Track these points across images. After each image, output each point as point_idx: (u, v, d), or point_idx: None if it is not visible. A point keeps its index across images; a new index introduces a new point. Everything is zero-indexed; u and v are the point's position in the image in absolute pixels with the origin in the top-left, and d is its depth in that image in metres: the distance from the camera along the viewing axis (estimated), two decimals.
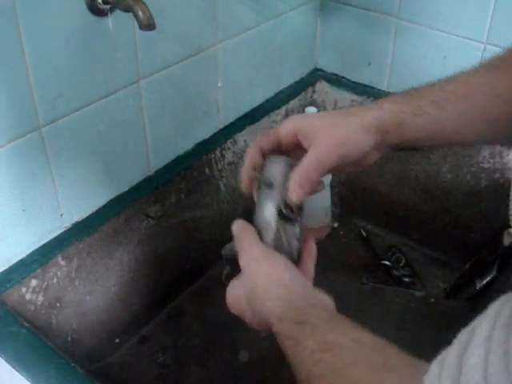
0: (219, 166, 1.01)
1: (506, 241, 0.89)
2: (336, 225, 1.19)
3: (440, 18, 1.00)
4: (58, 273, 0.79)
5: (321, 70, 1.21)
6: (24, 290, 0.76)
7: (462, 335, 0.36)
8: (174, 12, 0.83)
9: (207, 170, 0.99)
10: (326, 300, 0.55)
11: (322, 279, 1.07)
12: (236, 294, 0.59)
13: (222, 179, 1.03)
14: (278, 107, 1.12)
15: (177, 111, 0.92)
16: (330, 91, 1.18)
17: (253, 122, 1.06)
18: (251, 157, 0.61)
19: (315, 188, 0.60)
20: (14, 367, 0.65)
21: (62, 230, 0.81)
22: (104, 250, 0.85)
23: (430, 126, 0.60)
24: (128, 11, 0.68)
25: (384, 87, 1.13)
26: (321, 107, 1.19)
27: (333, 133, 0.58)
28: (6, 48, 0.65)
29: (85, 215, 0.84)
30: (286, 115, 1.14)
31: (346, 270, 1.10)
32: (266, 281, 0.55)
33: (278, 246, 0.59)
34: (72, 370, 0.65)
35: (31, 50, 0.67)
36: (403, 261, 1.10)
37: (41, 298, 0.78)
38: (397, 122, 0.59)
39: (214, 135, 1.01)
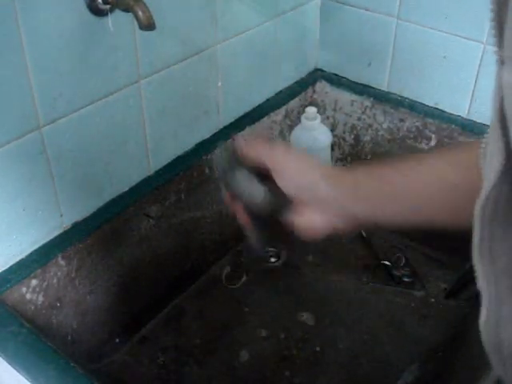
0: None
1: None
2: None
3: (440, 18, 1.00)
4: (58, 273, 0.79)
5: (321, 70, 1.21)
6: (24, 289, 0.76)
7: None
8: (174, 12, 0.83)
9: (207, 170, 0.99)
10: None
11: (322, 279, 1.08)
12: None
13: None
14: (278, 107, 1.12)
15: (177, 111, 0.92)
16: (330, 91, 1.18)
17: (253, 122, 1.06)
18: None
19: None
20: (14, 367, 0.65)
21: (61, 230, 0.81)
22: (104, 250, 0.85)
23: (387, 191, 0.57)
24: (128, 11, 0.68)
25: (384, 87, 1.13)
26: (321, 107, 1.19)
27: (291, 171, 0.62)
28: (6, 48, 0.64)
29: (85, 215, 0.84)
30: (286, 115, 1.14)
31: (346, 269, 1.10)
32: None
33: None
34: (72, 369, 0.65)
35: (31, 50, 0.67)
36: (403, 261, 1.10)
37: (41, 298, 0.78)
38: (353, 177, 0.60)
39: (214, 135, 1.01)
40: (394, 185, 0.57)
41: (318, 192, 0.59)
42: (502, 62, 0.31)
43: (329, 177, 0.60)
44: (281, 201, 0.62)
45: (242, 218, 0.67)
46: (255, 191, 0.63)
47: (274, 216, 0.64)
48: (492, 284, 0.39)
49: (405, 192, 0.56)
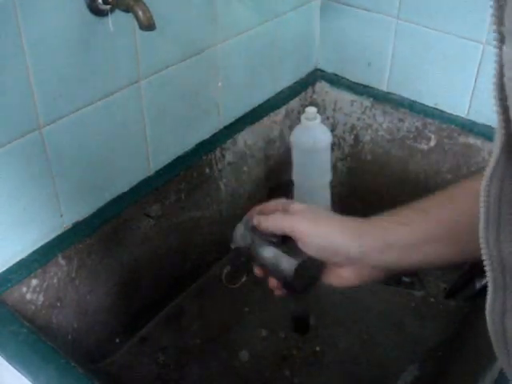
0: (219, 166, 1.01)
1: None
2: None
3: (440, 18, 1.00)
4: (59, 273, 0.80)
5: (321, 70, 1.21)
6: (24, 289, 0.76)
7: None
8: (174, 12, 0.84)
9: (207, 170, 0.99)
10: None
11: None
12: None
13: (222, 179, 1.03)
14: (278, 107, 1.12)
15: (177, 111, 0.92)
16: (330, 91, 1.18)
17: (253, 122, 1.06)
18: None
19: None
20: (14, 367, 0.65)
21: (62, 230, 0.81)
22: (104, 250, 0.85)
23: (418, 234, 0.57)
24: (128, 11, 0.68)
25: (384, 87, 1.13)
26: (321, 107, 1.19)
27: (318, 239, 0.61)
28: (6, 48, 0.65)
29: (85, 215, 0.84)
30: (286, 115, 1.14)
31: None
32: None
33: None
34: (72, 369, 0.65)
35: (31, 50, 0.67)
36: None
37: (41, 298, 0.78)
38: (380, 228, 0.59)
39: (214, 135, 1.01)
40: (421, 226, 0.56)
41: (351, 253, 0.59)
42: (501, 40, 0.31)
43: (357, 235, 0.59)
44: (311, 264, 0.62)
45: (277, 290, 0.67)
46: (284, 262, 0.62)
47: (307, 281, 0.64)
48: (498, 271, 0.38)
49: (435, 232, 0.55)
